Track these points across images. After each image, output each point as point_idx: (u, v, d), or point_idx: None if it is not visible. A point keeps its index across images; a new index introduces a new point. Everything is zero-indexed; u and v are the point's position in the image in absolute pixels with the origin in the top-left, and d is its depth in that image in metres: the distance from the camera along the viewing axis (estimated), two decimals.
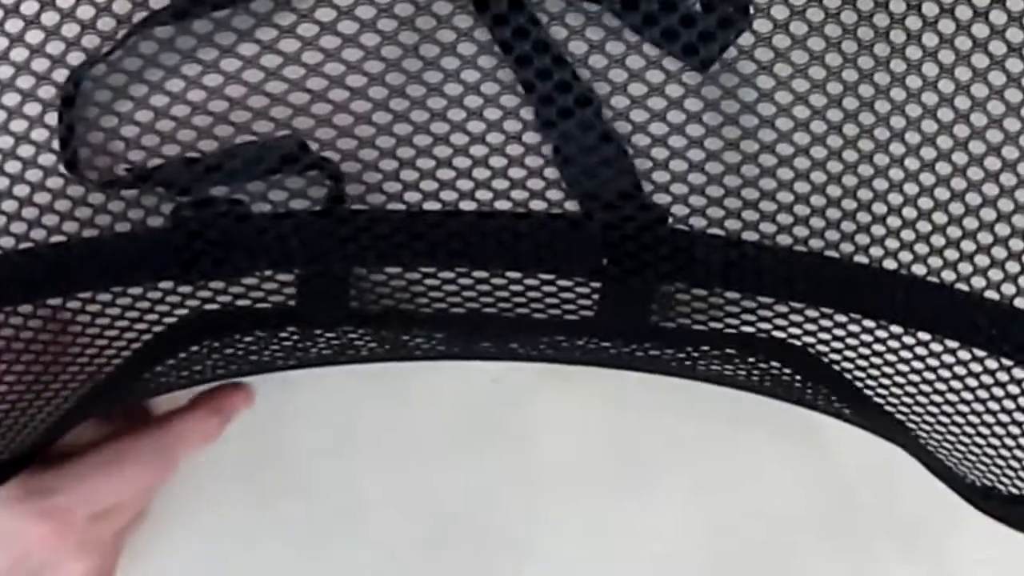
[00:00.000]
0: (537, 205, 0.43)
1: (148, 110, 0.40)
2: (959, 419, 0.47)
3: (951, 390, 0.46)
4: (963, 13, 0.38)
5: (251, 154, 0.41)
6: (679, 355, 0.49)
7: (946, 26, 0.38)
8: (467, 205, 0.43)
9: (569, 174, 0.43)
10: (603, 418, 0.54)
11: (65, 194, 0.41)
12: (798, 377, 0.49)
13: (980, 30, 0.38)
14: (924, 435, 0.48)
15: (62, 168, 0.40)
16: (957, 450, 0.48)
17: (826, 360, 0.48)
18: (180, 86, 0.40)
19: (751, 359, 0.49)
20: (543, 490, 0.53)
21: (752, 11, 0.39)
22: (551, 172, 0.43)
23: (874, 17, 0.38)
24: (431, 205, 0.43)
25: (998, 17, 0.37)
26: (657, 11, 0.39)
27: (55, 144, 0.40)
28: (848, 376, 0.48)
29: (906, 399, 0.47)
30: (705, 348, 0.49)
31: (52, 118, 0.40)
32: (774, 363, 0.49)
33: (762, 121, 0.41)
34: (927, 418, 0.47)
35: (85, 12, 0.38)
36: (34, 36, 0.38)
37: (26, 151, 0.40)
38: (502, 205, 0.43)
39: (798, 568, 0.55)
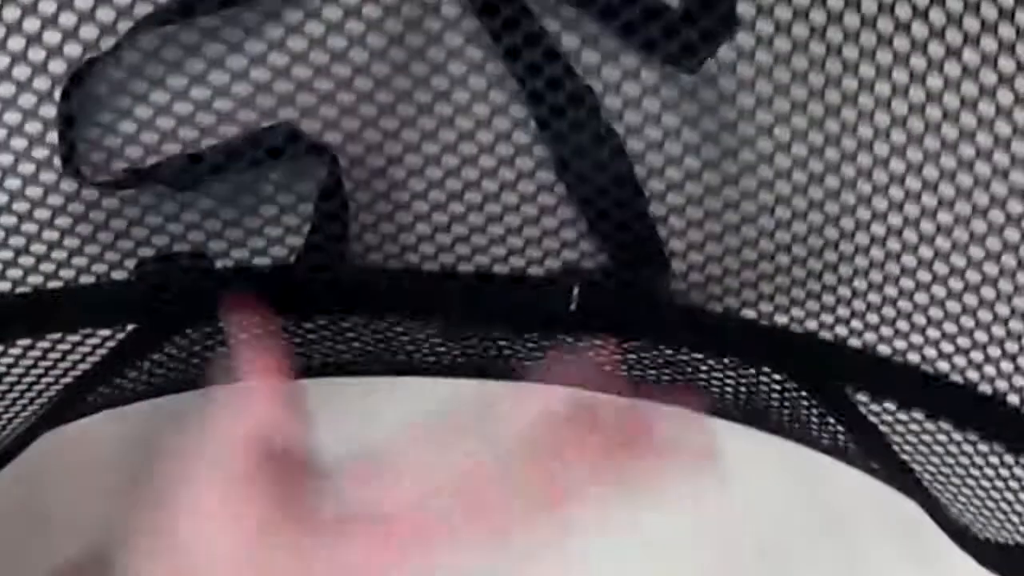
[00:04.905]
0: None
1: (151, 107, 0.40)
2: (931, 468, 0.48)
3: (933, 452, 0.46)
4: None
5: (243, 145, 0.41)
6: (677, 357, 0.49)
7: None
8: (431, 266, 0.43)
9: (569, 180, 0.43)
10: None
11: (28, 250, 0.41)
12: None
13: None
14: (912, 466, 0.49)
15: (25, 223, 0.41)
16: (936, 485, 0.49)
17: None
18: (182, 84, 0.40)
19: (751, 368, 0.49)
20: None
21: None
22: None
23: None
24: (393, 264, 0.43)
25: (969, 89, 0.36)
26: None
27: (16, 206, 0.40)
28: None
29: (896, 439, 0.47)
30: (700, 354, 0.48)
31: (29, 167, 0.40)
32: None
33: (726, 203, 0.40)
34: (918, 459, 0.48)
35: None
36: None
37: None
38: (466, 267, 0.43)
39: (798, 568, 0.55)
